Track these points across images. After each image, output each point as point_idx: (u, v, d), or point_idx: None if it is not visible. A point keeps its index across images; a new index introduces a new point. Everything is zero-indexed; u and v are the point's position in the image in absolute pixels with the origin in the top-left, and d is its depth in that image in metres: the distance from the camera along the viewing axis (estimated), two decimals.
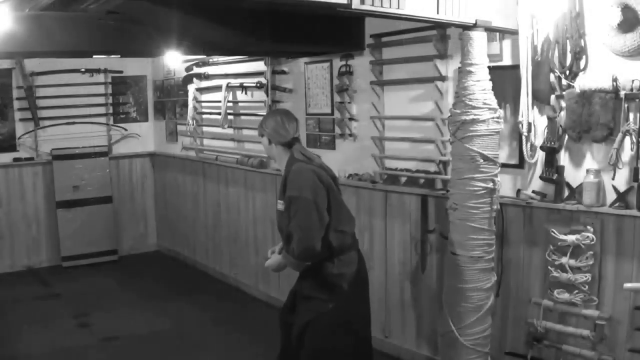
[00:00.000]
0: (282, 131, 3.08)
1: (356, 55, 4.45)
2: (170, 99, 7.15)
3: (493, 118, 3.08)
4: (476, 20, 2.95)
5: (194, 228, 6.87)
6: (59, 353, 4.56)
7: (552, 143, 3.24)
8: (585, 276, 3.14)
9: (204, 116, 6.44)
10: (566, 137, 3.21)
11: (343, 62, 4.56)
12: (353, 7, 2.46)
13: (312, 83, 4.91)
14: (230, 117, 5.93)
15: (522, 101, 3.27)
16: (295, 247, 2.89)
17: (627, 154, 2.95)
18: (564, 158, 3.27)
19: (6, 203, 6.75)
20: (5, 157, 6.70)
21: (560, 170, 3.25)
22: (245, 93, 5.73)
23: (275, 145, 3.11)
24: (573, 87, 3.10)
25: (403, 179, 4.21)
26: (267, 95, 5.35)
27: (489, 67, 3.11)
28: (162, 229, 7.67)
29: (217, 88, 5.99)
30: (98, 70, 7.07)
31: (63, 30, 3.39)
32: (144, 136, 7.55)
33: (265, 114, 5.27)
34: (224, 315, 5.34)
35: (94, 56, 4.96)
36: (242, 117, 5.86)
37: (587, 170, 3.13)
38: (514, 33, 3.27)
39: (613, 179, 2.99)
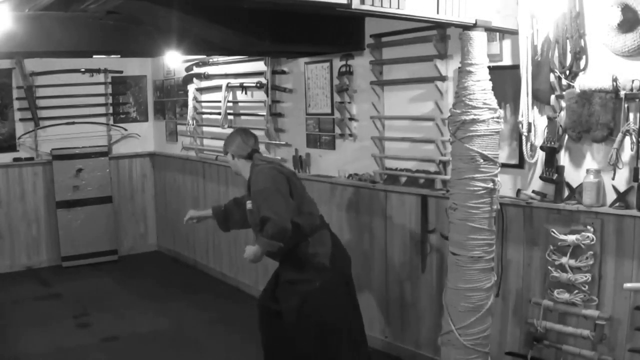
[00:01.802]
0: (243, 147, 3.59)
1: (356, 55, 4.45)
2: (170, 99, 7.15)
3: (493, 118, 3.07)
4: (476, 20, 2.94)
5: (194, 228, 6.85)
6: (59, 353, 4.57)
7: (552, 143, 3.24)
8: (585, 276, 3.14)
9: (204, 116, 6.44)
10: (566, 137, 3.21)
11: (343, 62, 4.56)
12: (353, 7, 2.46)
13: (312, 83, 4.91)
14: (230, 117, 5.93)
15: (522, 101, 3.27)
16: (269, 228, 3.19)
17: (627, 154, 2.95)
18: (564, 158, 3.27)
19: (6, 203, 6.76)
20: (5, 157, 6.70)
21: (560, 170, 3.25)
22: (245, 93, 5.72)
23: (238, 159, 3.61)
24: (573, 87, 3.10)
25: (403, 179, 4.21)
26: (267, 95, 5.35)
27: (489, 67, 3.10)
28: (162, 229, 7.67)
29: (217, 88, 5.99)
30: (98, 70, 7.07)
31: (63, 30, 3.39)
32: (144, 136, 7.55)
33: (265, 117, 5.33)
34: (224, 315, 5.34)
35: (94, 56, 4.96)
36: (242, 117, 5.86)
37: (587, 170, 3.13)
38: (514, 33, 3.26)
39: (613, 179, 2.99)
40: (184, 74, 6.53)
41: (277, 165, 3.61)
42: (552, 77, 3.20)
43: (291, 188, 3.43)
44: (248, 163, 3.58)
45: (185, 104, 6.58)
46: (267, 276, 5.58)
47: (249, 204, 3.51)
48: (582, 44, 3.08)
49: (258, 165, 3.51)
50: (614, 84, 2.90)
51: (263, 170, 3.45)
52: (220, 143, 6.13)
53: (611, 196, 3.06)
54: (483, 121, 3.03)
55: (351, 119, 4.58)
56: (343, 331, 3.47)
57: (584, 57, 3.09)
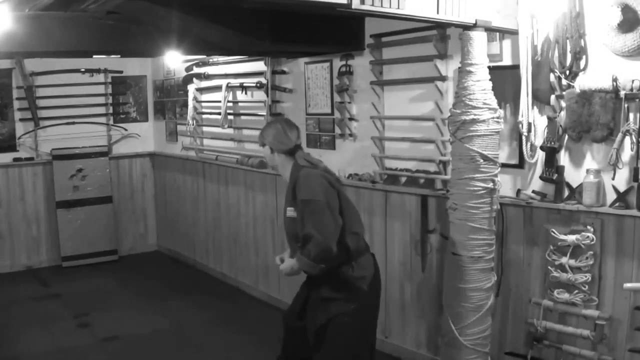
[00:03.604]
0: (284, 139, 3.07)
1: (356, 55, 4.45)
2: (170, 99, 7.15)
3: (493, 118, 3.08)
4: (476, 20, 2.95)
5: (194, 228, 6.87)
6: (59, 353, 4.56)
7: (552, 143, 3.24)
8: (585, 276, 3.14)
9: (204, 116, 6.44)
10: (566, 137, 3.21)
11: (343, 62, 4.56)
12: (353, 7, 2.46)
13: (312, 83, 4.91)
14: (230, 117, 5.93)
15: (522, 101, 3.27)
16: (312, 249, 2.84)
17: (627, 154, 2.95)
18: (564, 158, 3.27)
19: (6, 203, 6.75)
20: (5, 157, 6.70)
21: (560, 170, 3.25)
22: (245, 93, 5.73)
23: (278, 154, 3.10)
24: (573, 87, 3.10)
25: (403, 179, 4.21)
26: (267, 95, 5.35)
27: (489, 67, 3.11)
28: (162, 229, 7.67)
29: (217, 88, 5.99)
30: (98, 70, 7.07)
31: (63, 30, 3.39)
32: (144, 136, 7.55)
33: (265, 117, 5.33)
34: (224, 315, 5.34)
35: (94, 56, 4.96)
36: (242, 117, 5.86)
37: (587, 170, 3.13)
38: (514, 33, 3.27)
39: (613, 179, 2.99)
40: (184, 74, 6.53)
41: (325, 173, 3.08)
42: (552, 77, 3.20)
43: (341, 203, 3.00)
44: (289, 160, 3.09)
45: (185, 104, 6.58)
46: (268, 276, 5.61)
47: (290, 211, 3.04)
48: (582, 44, 3.08)
49: (304, 168, 3.02)
50: (614, 84, 2.90)
51: (312, 177, 2.97)
52: (220, 143, 6.23)
53: (611, 196, 3.06)
54: (483, 121, 3.04)
55: (351, 119, 4.58)
56: (364, 355, 3.19)
57: (584, 57, 3.09)
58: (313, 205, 2.88)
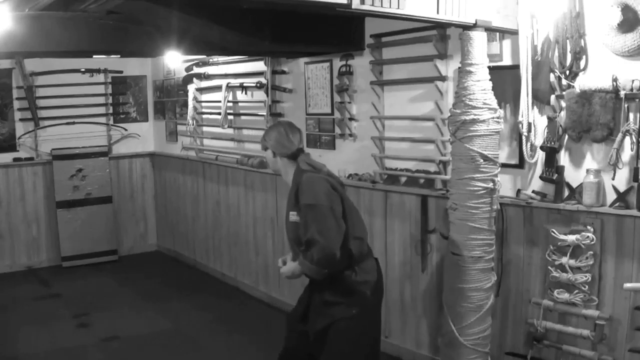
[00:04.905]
0: (286, 143, 3.00)
1: (356, 55, 4.45)
2: (170, 99, 7.15)
3: (493, 118, 3.08)
4: (476, 20, 2.95)
5: (194, 228, 6.87)
6: (59, 353, 4.56)
7: (552, 143, 3.24)
8: (585, 276, 3.14)
9: (204, 116, 6.44)
10: (566, 137, 3.21)
11: (343, 62, 4.56)
12: (353, 7, 2.46)
13: (312, 83, 4.91)
14: (230, 117, 5.93)
15: (522, 101, 3.27)
16: (315, 253, 2.79)
17: (627, 154, 2.95)
18: (564, 158, 3.27)
19: (6, 203, 6.75)
20: (5, 157, 6.70)
21: (560, 170, 3.25)
22: (245, 93, 5.73)
23: (280, 158, 3.03)
24: (573, 87, 3.10)
25: (403, 179, 4.21)
26: (267, 95, 5.35)
27: (489, 67, 3.11)
28: (162, 229, 7.67)
29: (217, 88, 5.99)
30: (98, 70, 7.07)
31: (63, 30, 3.40)
32: (144, 136, 7.55)
33: (265, 117, 5.33)
34: (224, 315, 5.34)
35: (94, 56, 4.97)
36: (242, 117, 5.86)
37: (587, 170, 3.13)
38: (514, 33, 3.27)
39: (613, 179, 2.99)
40: (184, 74, 6.53)
41: (328, 177, 3.00)
42: (552, 77, 3.20)
43: (344, 208, 2.94)
44: (292, 165, 3.02)
45: (185, 104, 6.58)
46: (267, 277, 5.61)
47: (293, 216, 2.96)
48: (582, 44, 3.08)
49: (306, 172, 2.95)
50: (614, 84, 2.90)
51: (315, 181, 2.90)
52: (220, 143, 6.23)
53: (611, 196, 3.06)
54: (483, 121, 3.04)
55: (351, 119, 4.58)
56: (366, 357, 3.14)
57: (584, 57, 3.10)
58: (316, 209, 2.81)
